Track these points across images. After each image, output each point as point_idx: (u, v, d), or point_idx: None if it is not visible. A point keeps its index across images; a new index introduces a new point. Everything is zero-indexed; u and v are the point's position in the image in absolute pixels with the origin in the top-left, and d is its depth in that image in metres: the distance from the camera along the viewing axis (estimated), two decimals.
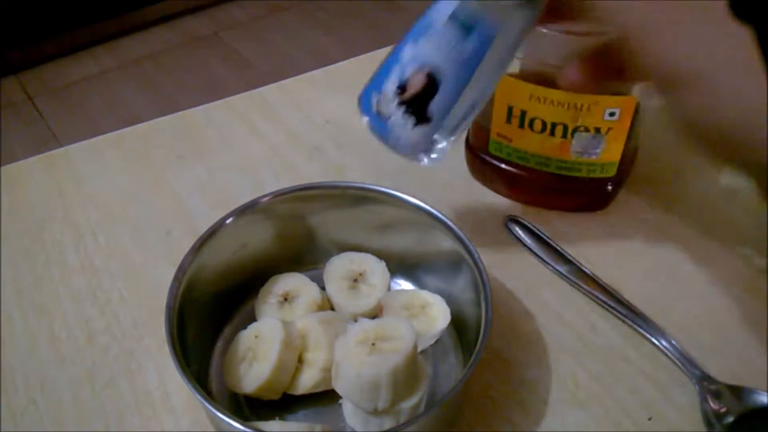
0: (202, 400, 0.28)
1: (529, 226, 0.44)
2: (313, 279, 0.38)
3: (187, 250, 0.35)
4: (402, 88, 0.30)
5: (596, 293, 0.39)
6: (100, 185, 0.50)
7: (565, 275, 0.41)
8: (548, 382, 0.36)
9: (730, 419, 0.33)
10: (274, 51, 1.68)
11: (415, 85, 0.30)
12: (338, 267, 0.39)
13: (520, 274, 0.42)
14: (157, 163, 0.52)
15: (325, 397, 0.34)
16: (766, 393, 0.33)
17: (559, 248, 0.42)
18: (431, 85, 0.29)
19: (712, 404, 0.33)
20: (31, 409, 0.36)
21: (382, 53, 0.32)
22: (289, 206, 0.39)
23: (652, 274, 0.41)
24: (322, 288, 0.38)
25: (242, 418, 0.32)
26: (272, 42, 1.71)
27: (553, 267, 0.42)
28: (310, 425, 0.31)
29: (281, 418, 0.34)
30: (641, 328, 0.37)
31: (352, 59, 0.63)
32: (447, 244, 0.36)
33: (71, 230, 0.46)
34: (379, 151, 0.32)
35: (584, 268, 0.41)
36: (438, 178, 0.47)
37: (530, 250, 0.43)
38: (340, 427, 0.33)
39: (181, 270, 0.34)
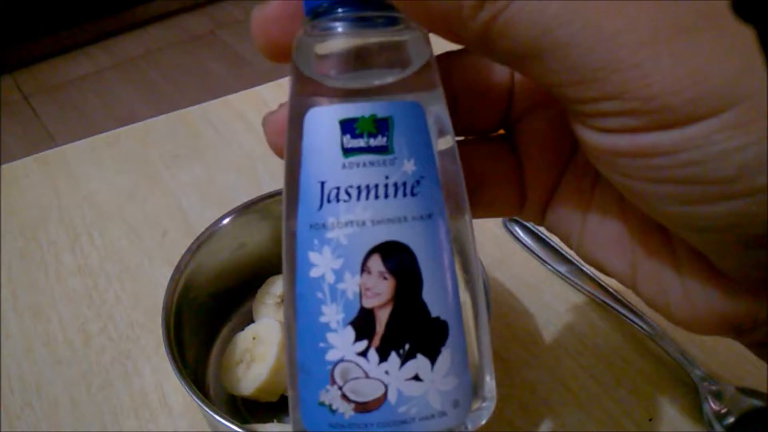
0: (199, 403, 0.28)
1: (529, 226, 0.44)
2: None
3: (183, 250, 0.35)
4: (362, 326, 0.17)
5: (596, 293, 0.39)
6: (96, 185, 0.50)
7: (565, 275, 0.41)
8: (548, 383, 0.36)
9: (731, 420, 0.33)
10: None
11: (381, 300, 0.17)
12: None
13: (520, 274, 0.41)
14: (154, 163, 0.52)
15: None
16: (766, 393, 0.33)
17: (559, 248, 0.42)
18: (406, 279, 0.17)
19: (712, 405, 0.33)
20: (27, 411, 0.36)
21: None
22: None
23: None
24: None
25: (240, 420, 0.31)
26: None
27: (553, 267, 0.41)
28: None
29: (279, 420, 0.33)
30: (642, 328, 0.37)
31: None
32: None
33: (67, 230, 0.46)
34: None
35: (584, 268, 0.40)
36: None
37: (530, 250, 0.43)
38: None
39: (178, 271, 0.34)
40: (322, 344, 0.17)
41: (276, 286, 0.38)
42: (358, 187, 0.17)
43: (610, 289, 0.39)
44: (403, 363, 0.17)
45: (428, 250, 0.17)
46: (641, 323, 0.37)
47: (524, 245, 0.43)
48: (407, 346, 0.17)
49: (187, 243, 0.35)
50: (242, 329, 0.35)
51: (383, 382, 0.17)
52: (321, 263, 0.17)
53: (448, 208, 0.18)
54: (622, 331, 0.38)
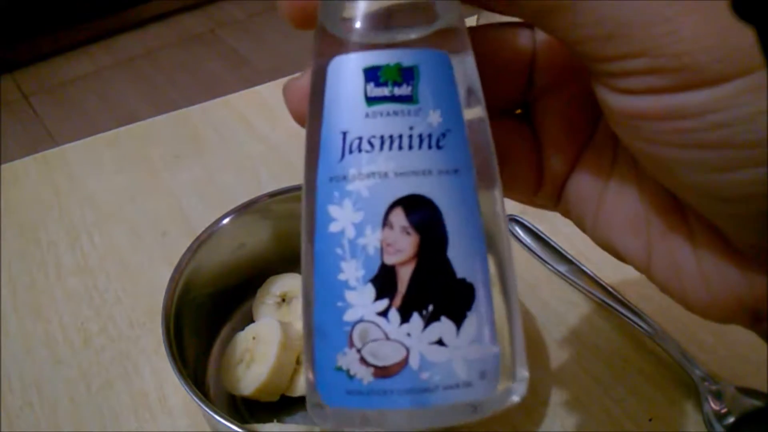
0: (199, 403, 0.28)
1: (529, 226, 0.44)
2: None
3: (183, 250, 0.35)
4: (382, 284, 0.16)
5: (596, 293, 0.39)
6: (96, 185, 0.50)
7: (565, 275, 0.41)
8: (548, 383, 0.36)
9: (731, 420, 0.33)
10: (272, 48, 1.67)
11: (404, 257, 0.16)
12: None
13: (520, 274, 0.41)
14: (154, 163, 0.52)
15: None
16: (766, 393, 0.33)
17: (559, 248, 0.42)
18: (430, 235, 0.16)
19: (712, 405, 0.33)
20: (27, 411, 0.36)
21: None
22: (287, 206, 0.38)
23: None
24: None
25: (240, 420, 0.32)
26: (269, 39, 1.70)
27: (553, 267, 0.41)
28: (308, 427, 0.31)
29: (279, 420, 0.33)
30: (641, 328, 0.37)
31: None
32: None
33: (67, 230, 0.46)
34: None
35: (584, 268, 0.40)
36: None
37: (530, 250, 0.43)
38: None
39: (178, 271, 0.34)
40: (340, 303, 0.16)
41: (276, 286, 0.38)
42: (381, 137, 0.16)
43: (610, 289, 0.39)
44: (426, 325, 0.16)
45: (454, 206, 0.16)
46: (641, 323, 0.37)
47: (524, 245, 0.43)
48: (431, 308, 0.16)
49: (187, 243, 0.35)
50: (242, 329, 0.35)
51: (405, 345, 0.16)
52: (341, 217, 0.17)
53: (476, 175, 0.17)
54: (622, 331, 0.38)
